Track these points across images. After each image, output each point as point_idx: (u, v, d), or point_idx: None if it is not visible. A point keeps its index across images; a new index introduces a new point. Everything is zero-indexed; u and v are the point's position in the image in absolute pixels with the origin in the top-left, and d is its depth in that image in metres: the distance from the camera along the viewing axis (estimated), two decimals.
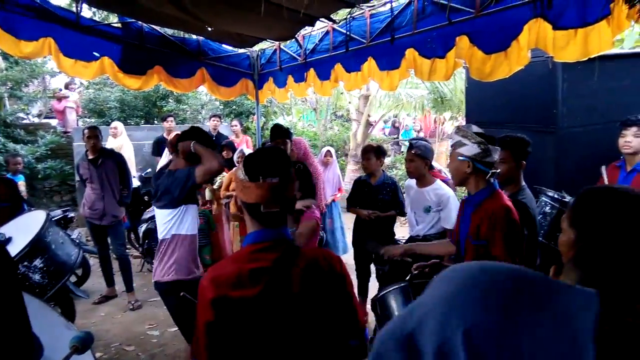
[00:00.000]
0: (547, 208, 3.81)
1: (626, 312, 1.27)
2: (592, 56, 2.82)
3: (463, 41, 3.55)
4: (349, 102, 10.70)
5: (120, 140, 7.86)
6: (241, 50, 6.66)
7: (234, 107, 11.87)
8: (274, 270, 1.50)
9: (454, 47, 3.65)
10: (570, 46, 2.81)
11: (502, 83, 3.93)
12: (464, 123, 6.92)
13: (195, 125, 5.02)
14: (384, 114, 12.09)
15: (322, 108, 13.95)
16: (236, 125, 8.45)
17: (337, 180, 6.51)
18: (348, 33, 4.96)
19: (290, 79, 6.19)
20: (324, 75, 5.53)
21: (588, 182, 3.10)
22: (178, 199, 3.21)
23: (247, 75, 6.82)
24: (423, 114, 12.24)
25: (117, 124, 8.10)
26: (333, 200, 6.21)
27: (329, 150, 6.93)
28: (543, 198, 3.85)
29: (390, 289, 2.53)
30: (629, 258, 1.25)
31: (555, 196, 3.81)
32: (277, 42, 6.21)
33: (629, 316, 1.26)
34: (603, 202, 1.42)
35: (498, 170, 2.59)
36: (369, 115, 10.43)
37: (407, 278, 2.71)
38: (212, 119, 8.07)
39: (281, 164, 1.58)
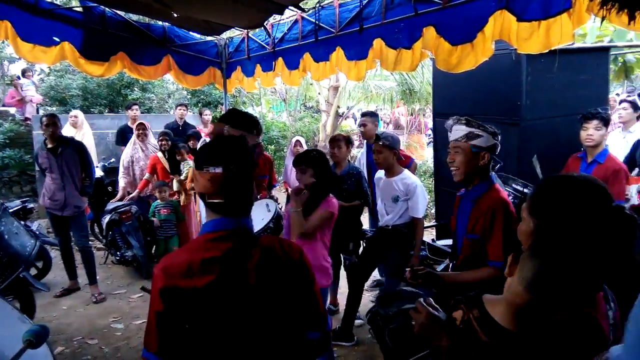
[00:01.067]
0: (511, 198, 3.89)
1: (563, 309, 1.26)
2: (553, 48, 2.87)
3: (430, 32, 3.57)
4: (319, 93, 10.67)
5: (81, 129, 7.59)
6: (209, 38, 6.54)
7: (202, 96, 11.67)
8: (226, 261, 1.47)
9: (420, 38, 3.67)
10: (533, 38, 2.85)
11: (468, 75, 3.97)
12: (431, 115, 6.97)
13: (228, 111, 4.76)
14: (353, 106, 12.11)
15: (291, 99, 13.88)
16: (208, 115, 8.35)
17: None
18: (317, 22, 4.92)
19: (258, 68, 6.12)
20: (292, 64, 5.48)
21: (550, 173, 3.19)
22: None
23: (214, 64, 6.71)
24: (392, 105, 12.31)
25: (77, 113, 7.80)
26: None
27: (298, 140, 6.90)
28: (507, 188, 3.93)
29: None
30: (588, 247, 1.24)
31: (519, 187, 3.90)
32: (246, 30, 6.12)
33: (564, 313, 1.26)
34: (563, 191, 1.43)
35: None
36: (338, 107, 10.42)
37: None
38: (178, 108, 7.92)
39: (228, 154, 1.52)
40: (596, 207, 1.37)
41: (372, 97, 11.05)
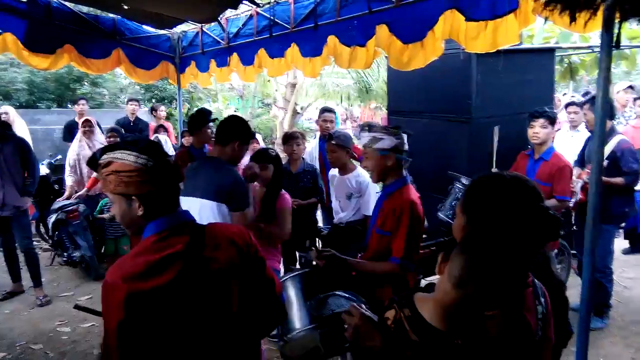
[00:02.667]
0: (461, 194, 3.97)
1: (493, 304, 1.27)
2: (500, 48, 2.95)
3: (383, 30, 3.59)
4: (276, 90, 10.60)
5: (13, 126, 7.10)
6: (161, 32, 6.37)
7: (156, 91, 11.41)
8: (187, 254, 1.45)
9: (374, 36, 3.69)
10: (480, 38, 2.92)
11: (422, 73, 4.03)
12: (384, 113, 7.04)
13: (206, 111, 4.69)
14: (311, 103, 12.12)
15: (249, 95, 13.74)
16: (163, 111, 8.16)
17: None
18: (272, 18, 4.87)
19: (212, 63, 6.01)
20: (247, 60, 5.41)
21: (499, 169, 3.26)
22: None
23: (167, 58, 6.54)
24: (349, 103, 12.39)
25: (7, 109, 7.22)
26: None
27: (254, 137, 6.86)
28: (457, 185, 4.02)
29: (289, 275, 2.49)
30: (513, 244, 1.26)
31: (467, 183, 3.98)
32: (200, 25, 6.00)
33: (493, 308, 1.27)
34: (491, 189, 1.45)
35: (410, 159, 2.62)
36: (295, 104, 10.39)
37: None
38: (130, 103, 7.68)
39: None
40: (522, 205, 1.39)
41: (329, 94, 11.08)
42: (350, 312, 1.46)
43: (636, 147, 5.61)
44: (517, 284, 1.27)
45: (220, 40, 5.78)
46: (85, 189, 5.88)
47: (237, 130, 3.02)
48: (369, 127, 2.61)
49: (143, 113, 8.71)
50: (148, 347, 1.38)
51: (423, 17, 3.29)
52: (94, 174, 5.89)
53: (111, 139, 5.80)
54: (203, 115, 4.51)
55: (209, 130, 4.48)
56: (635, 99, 6.23)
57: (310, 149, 5.50)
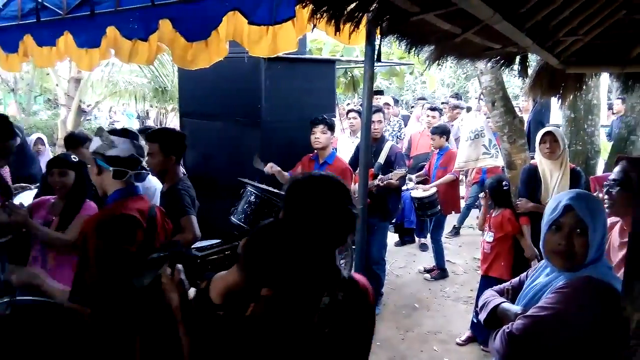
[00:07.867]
0: (252, 197, 4.04)
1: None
2: (284, 55, 3.04)
3: (166, 25, 3.40)
4: (57, 85, 9.37)
5: None
6: None
7: None
8: None
9: (156, 31, 3.48)
10: (262, 42, 2.95)
11: (213, 75, 3.96)
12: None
13: None
14: (99, 101, 11.08)
15: (23, 90, 11.93)
16: None
17: None
18: (40, 0, 4.25)
19: None
20: (9, 47, 4.63)
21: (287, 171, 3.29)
22: None
23: None
24: (144, 103, 11.68)
25: None
26: None
27: (39, 138, 6.24)
28: (249, 188, 4.07)
29: None
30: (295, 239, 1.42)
31: (260, 186, 4.08)
32: None
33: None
34: (297, 188, 1.59)
35: (130, 172, 2.21)
36: (81, 101, 9.36)
37: None
38: None
39: None
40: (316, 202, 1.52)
41: (120, 93, 10.27)
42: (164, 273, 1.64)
43: (421, 150, 6.67)
44: (303, 270, 1.41)
45: None
46: None
47: None
48: (98, 131, 2.26)
49: None
50: None
51: (207, 16, 3.20)
52: None
53: None
54: None
55: None
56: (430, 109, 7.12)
57: None
